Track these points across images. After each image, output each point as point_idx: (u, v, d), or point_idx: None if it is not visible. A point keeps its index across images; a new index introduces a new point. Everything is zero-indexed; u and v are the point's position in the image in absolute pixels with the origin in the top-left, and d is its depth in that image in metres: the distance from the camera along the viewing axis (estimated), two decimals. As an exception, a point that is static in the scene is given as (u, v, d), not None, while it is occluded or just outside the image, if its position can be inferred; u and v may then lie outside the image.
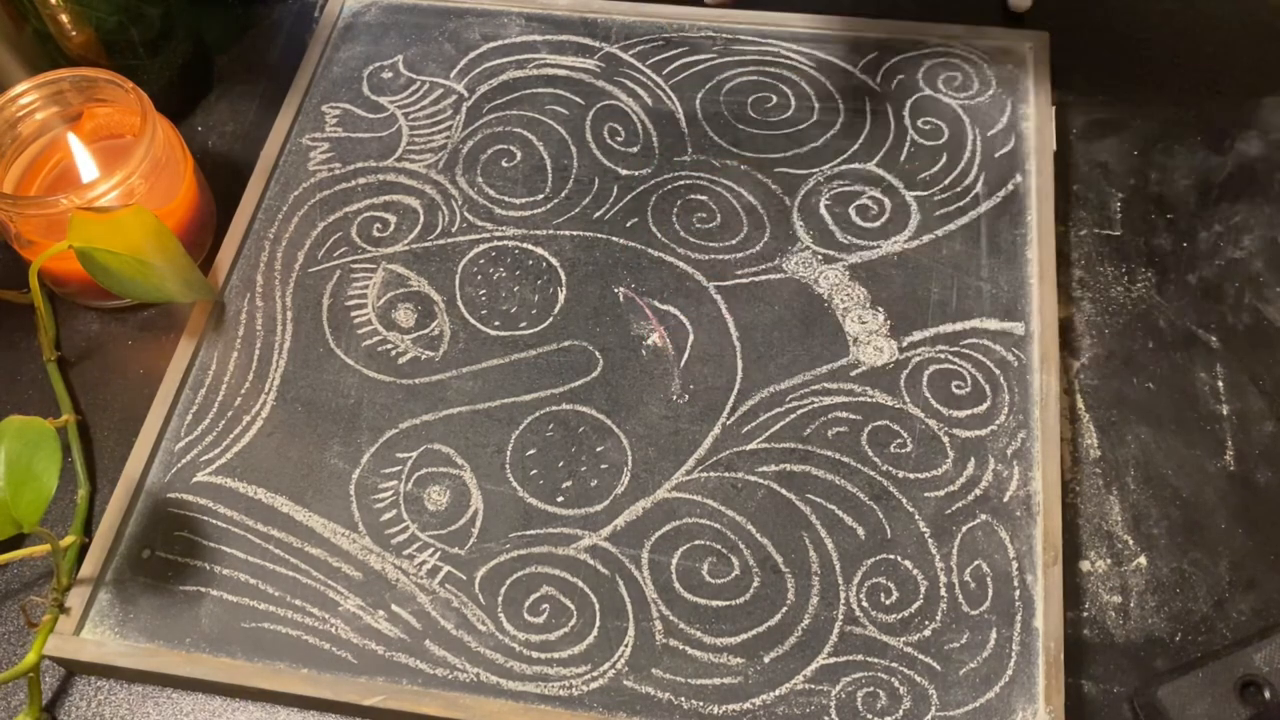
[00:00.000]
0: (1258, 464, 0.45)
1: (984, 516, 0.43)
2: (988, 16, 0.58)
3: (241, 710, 0.42)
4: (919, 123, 0.53)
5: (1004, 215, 0.51)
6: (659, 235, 0.51)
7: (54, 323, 0.50)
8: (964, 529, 0.43)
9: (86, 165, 0.50)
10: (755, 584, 0.43)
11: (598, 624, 0.42)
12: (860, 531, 0.43)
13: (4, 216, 0.47)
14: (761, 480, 0.45)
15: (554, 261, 0.51)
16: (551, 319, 0.49)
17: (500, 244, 0.51)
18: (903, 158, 0.52)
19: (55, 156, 0.51)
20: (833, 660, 0.41)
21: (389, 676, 0.41)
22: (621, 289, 0.49)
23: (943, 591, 0.42)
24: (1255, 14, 0.57)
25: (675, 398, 0.47)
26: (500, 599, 0.43)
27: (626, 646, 0.42)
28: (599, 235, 0.51)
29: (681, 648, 0.41)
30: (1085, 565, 0.43)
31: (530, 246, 0.51)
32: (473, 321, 0.49)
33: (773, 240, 0.51)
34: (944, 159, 0.52)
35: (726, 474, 0.45)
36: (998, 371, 0.47)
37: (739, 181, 0.52)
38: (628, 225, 0.51)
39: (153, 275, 0.46)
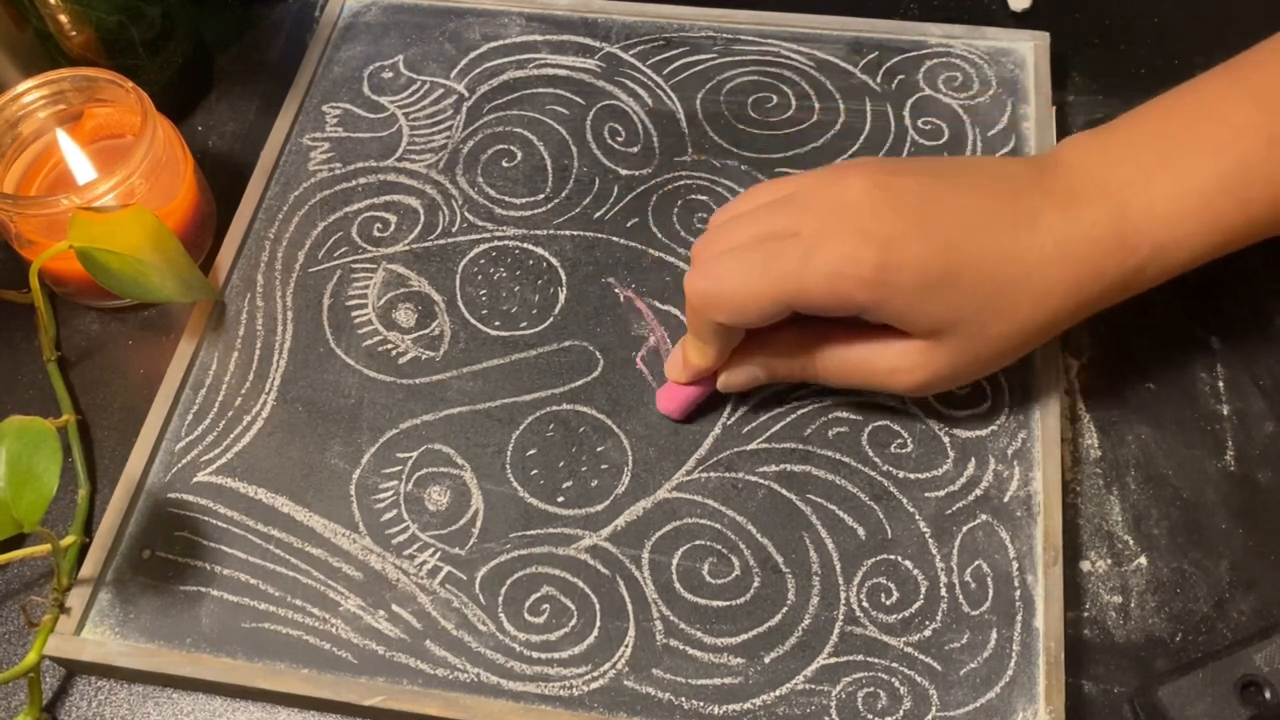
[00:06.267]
0: (1258, 464, 0.45)
1: (984, 516, 0.44)
2: (988, 16, 0.58)
3: (241, 710, 0.42)
4: (919, 123, 0.53)
5: (1004, 215, 0.51)
6: (659, 235, 0.51)
7: (54, 323, 0.50)
8: (964, 529, 0.43)
9: (78, 163, 0.50)
10: (756, 584, 0.43)
11: (598, 624, 0.42)
12: (860, 531, 0.43)
13: (4, 216, 0.47)
14: (762, 480, 0.45)
15: (554, 261, 0.51)
16: (552, 319, 0.49)
17: (500, 244, 0.51)
18: (903, 157, 0.52)
19: (55, 156, 0.51)
20: (833, 660, 0.41)
21: (389, 676, 0.41)
22: (620, 290, 0.49)
23: (943, 591, 0.42)
24: (1255, 14, 0.57)
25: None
26: (500, 599, 0.43)
27: (627, 646, 0.42)
28: (599, 235, 0.51)
29: (682, 648, 0.41)
30: (1085, 565, 0.43)
31: (530, 246, 0.51)
32: (473, 321, 0.49)
33: (773, 240, 0.50)
34: (944, 159, 0.52)
35: (727, 474, 0.45)
36: (998, 371, 0.47)
37: (739, 181, 0.52)
38: (628, 225, 0.51)
39: (153, 275, 0.46)
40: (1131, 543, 0.44)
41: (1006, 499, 0.44)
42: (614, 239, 0.51)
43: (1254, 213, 0.41)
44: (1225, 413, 0.46)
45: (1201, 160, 0.41)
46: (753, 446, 0.45)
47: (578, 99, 0.55)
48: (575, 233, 0.51)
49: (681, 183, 0.52)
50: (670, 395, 0.46)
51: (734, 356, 0.44)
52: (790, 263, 0.39)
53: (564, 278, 0.50)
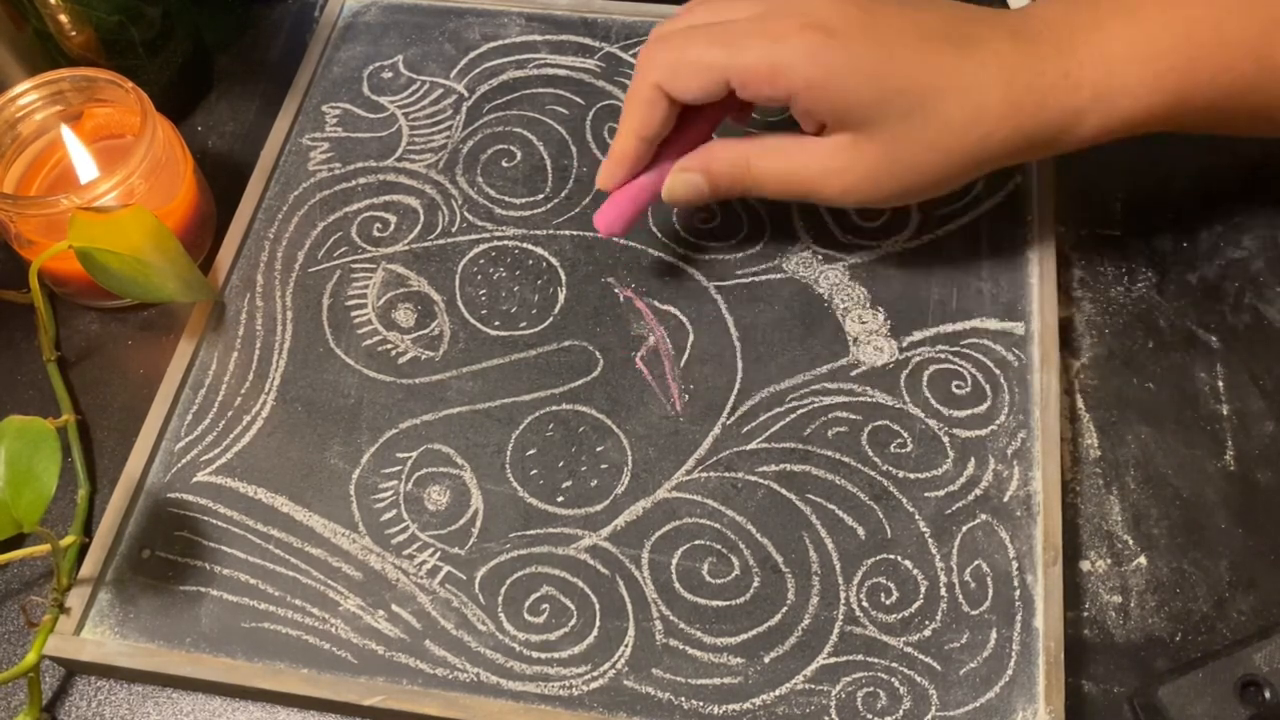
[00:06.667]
0: (1258, 464, 0.45)
1: (984, 516, 0.43)
2: (988, 16, 0.58)
3: (241, 710, 0.42)
4: (919, 123, 0.53)
5: (1004, 215, 0.51)
6: (659, 235, 0.51)
7: (54, 323, 0.50)
8: (964, 529, 0.43)
9: (82, 160, 0.50)
10: (755, 584, 0.43)
11: (598, 624, 0.42)
12: (860, 531, 0.43)
13: (4, 216, 0.47)
14: (761, 480, 0.45)
15: (554, 261, 0.51)
16: (551, 319, 0.49)
17: (500, 244, 0.51)
18: None
19: (55, 156, 0.51)
20: (833, 660, 0.41)
21: (389, 676, 0.41)
22: (620, 290, 0.50)
23: (943, 591, 0.42)
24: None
25: (669, 409, 0.47)
26: (500, 599, 0.43)
27: (626, 646, 0.42)
28: (599, 235, 0.51)
29: (681, 648, 0.41)
30: (1085, 565, 0.43)
31: (530, 246, 0.51)
32: (473, 321, 0.49)
33: (773, 240, 0.51)
34: (944, 159, 0.52)
35: (726, 474, 0.45)
36: (998, 371, 0.47)
37: (739, 181, 0.52)
38: (628, 225, 0.51)
39: (153, 275, 0.46)
40: (1131, 542, 0.44)
41: (1006, 499, 0.44)
42: (614, 239, 0.51)
43: (1200, 78, 0.41)
44: (1225, 413, 0.46)
45: (1154, 14, 0.42)
46: (752, 446, 0.45)
47: (577, 99, 0.55)
48: (575, 233, 0.51)
49: (681, 183, 0.52)
50: (608, 209, 0.46)
51: (675, 164, 0.45)
52: (735, 38, 0.42)
53: (564, 278, 0.50)
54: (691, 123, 0.46)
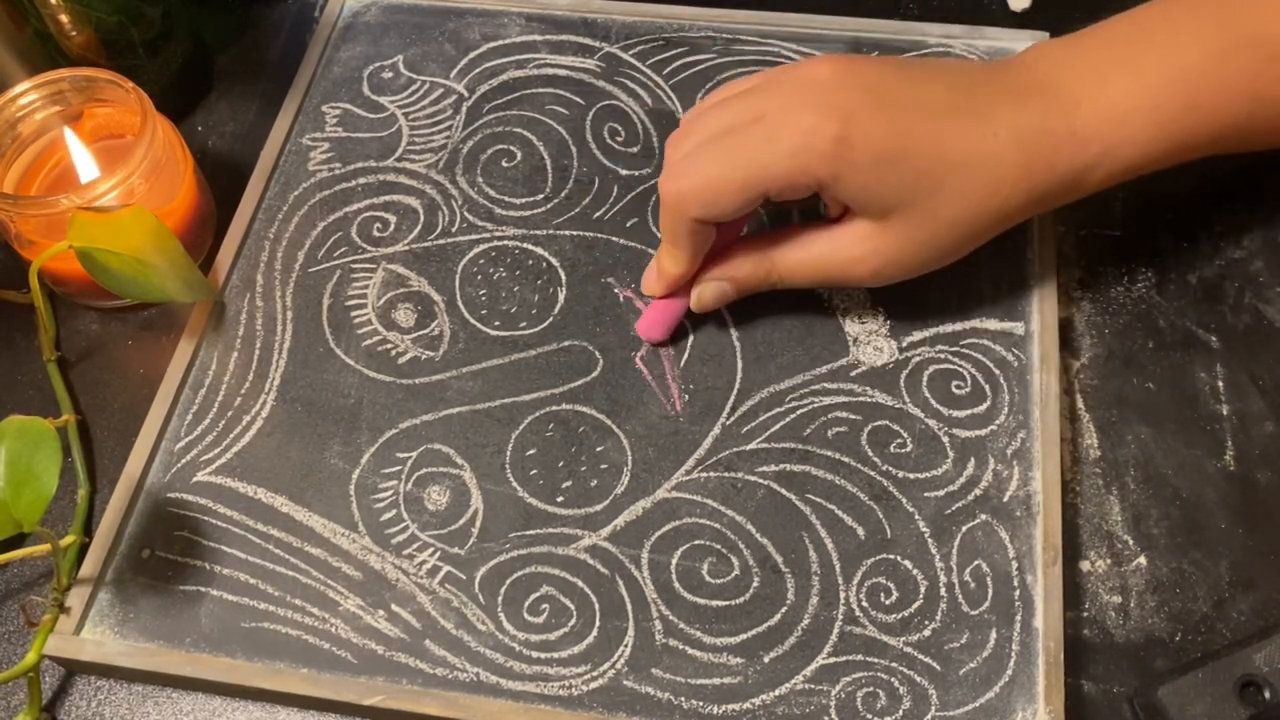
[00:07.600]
0: (1258, 464, 0.45)
1: (984, 516, 0.43)
2: (987, 16, 0.58)
3: (241, 710, 0.42)
4: (919, 123, 0.53)
5: (1004, 215, 0.51)
6: (659, 235, 0.51)
7: (54, 323, 0.51)
8: (964, 529, 0.43)
9: (84, 161, 0.50)
10: (755, 584, 0.43)
11: (598, 624, 0.42)
12: (860, 531, 0.43)
13: (4, 216, 0.47)
14: (761, 480, 0.45)
15: (554, 261, 0.51)
16: (551, 319, 0.49)
17: (500, 244, 0.51)
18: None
19: (55, 156, 0.51)
20: (832, 660, 0.41)
21: (389, 676, 0.41)
22: (620, 290, 0.50)
23: (943, 591, 0.42)
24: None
25: (669, 409, 0.47)
26: (500, 599, 0.43)
27: (626, 646, 0.42)
28: (599, 235, 0.51)
29: (681, 648, 0.41)
30: (1085, 565, 0.43)
31: (530, 246, 0.51)
32: (473, 321, 0.49)
33: (773, 240, 0.50)
34: (944, 159, 0.52)
35: (726, 474, 0.45)
36: (998, 371, 0.47)
37: (739, 181, 0.52)
38: (628, 225, 0.51)
39: (153, 275, 0.46)
40: (1131, 542, 0.44)
41: (1006, 499, 0.44)
42: (614, 239, 0.51)
43: (1201, 120, 0.42)
44: (1225, 413, 0.46)
45: (1153, 64, 0.42)
46: (752, 446, 0.45)
47: (577, 99, 0.55)
48: (575, 233, 0.51)
49: (681, 183, 0.52)
50: (650, 318, 0.47)
51: (702, 274, 0.46)
52: (754, 145, 0.41)
53: (564, 278, 0.50)
54: (724, 226, 0.45)
